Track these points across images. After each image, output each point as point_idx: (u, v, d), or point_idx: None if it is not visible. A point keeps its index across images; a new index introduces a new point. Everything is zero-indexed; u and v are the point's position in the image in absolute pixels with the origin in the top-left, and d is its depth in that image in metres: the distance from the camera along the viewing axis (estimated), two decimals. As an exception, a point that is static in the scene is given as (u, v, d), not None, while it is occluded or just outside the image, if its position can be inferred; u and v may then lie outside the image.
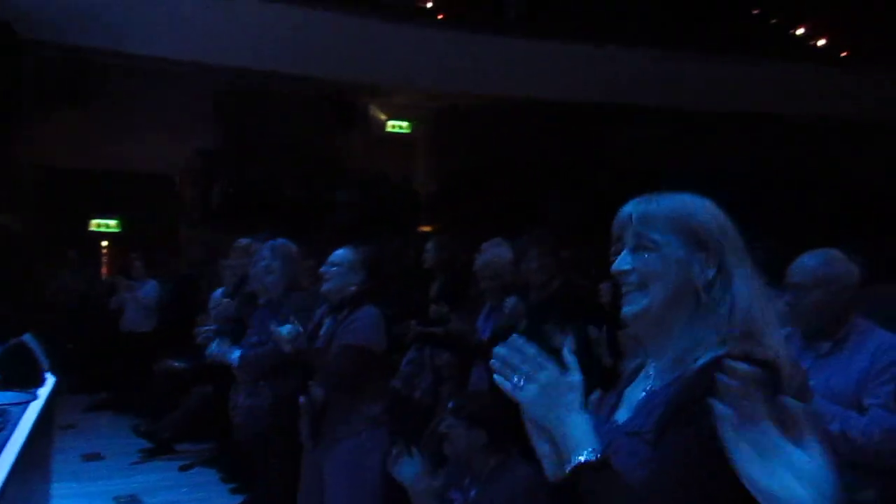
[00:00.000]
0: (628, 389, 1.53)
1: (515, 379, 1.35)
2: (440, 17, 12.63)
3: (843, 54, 13.72)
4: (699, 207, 1.46)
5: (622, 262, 1.44)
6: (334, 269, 3.51)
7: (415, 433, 3.78)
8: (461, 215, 10.97)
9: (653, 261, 1.42)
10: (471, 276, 4.66)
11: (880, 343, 2.74)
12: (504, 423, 2.89)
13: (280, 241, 4.07)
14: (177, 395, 6.55)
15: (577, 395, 1.36)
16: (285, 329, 3.43)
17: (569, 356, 1.38)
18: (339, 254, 3.56)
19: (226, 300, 4.46)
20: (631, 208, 1.47)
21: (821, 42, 14.01)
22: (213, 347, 3.92)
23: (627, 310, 1.44)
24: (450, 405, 3.15)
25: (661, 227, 1.42)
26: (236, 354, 3.87)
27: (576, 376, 1.37)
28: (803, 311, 2.80)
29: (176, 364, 6.51)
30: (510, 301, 4.13)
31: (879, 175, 12.94)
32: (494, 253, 4.49)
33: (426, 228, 11.73)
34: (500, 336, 4.07)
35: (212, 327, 4.58)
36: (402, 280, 5.72)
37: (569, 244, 5.41)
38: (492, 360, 1.37)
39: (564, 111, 11.98)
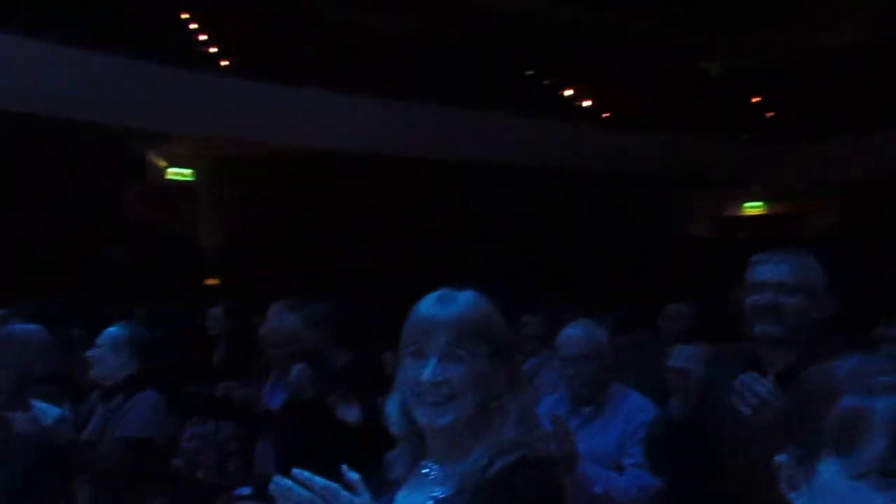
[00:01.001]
0: (403, 494, 1.50)
1: None
2: (224, 63, 12.33)
3: (605, 115, 15.08)
4: (493, 310, 1.48)
5: (434, 373, 1.41)
6: (101, 350, 3.22)
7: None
8: (249, 271, 10.64)
9: (462, 373, 1.41)
10: (257, 343, 4.49)
11: (633, 404, 2.98)
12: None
13: (10, 327, 3.53)
14: None
15: None
16: (52, 412, 3.06)
17: (352, 477, 1.32)
18: (108, 332, 3.26)
19: None
20: (432, 312, 1.45)
21: (586, 103, 15.32)
22: None
23: (433, 422, 1.42)
24: (245, 491, 2.96)
25: (468, 339, 1.42)
26: None
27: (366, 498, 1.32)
28: (578, 381, 2.98)
29: None
30: (297, 369, 4.01)
31: (637, 224, 14.29)
32: (281, 319, 4.36)
33: (212, 281, 11.25)
34: (290, 407, 3.96)
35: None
36: (184, 349, 5.38)
37: (361, 300, 5.39)
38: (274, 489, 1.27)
39: (353, 162, 12.09)
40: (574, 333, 3.03)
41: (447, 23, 13.46)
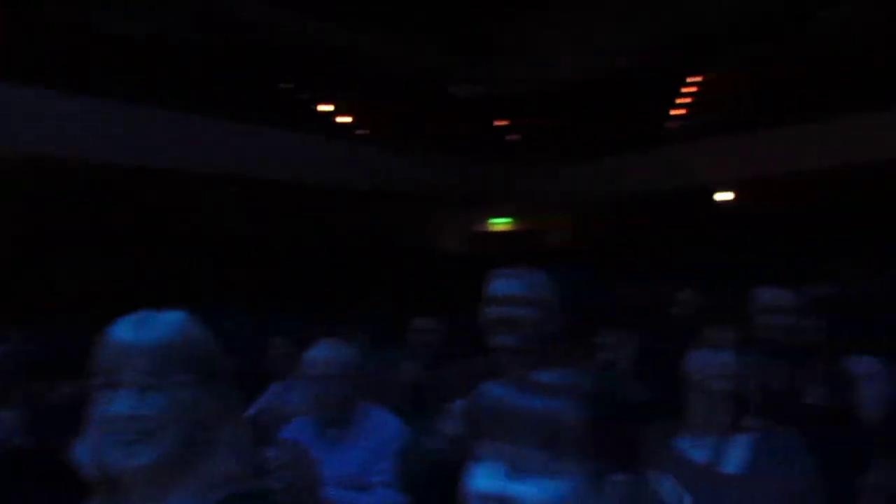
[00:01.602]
0: None
1: None
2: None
3: (360, 132, 15.26)
4: (201, 333, 1.33)
5: (121, 405, 1.23)
6: None
7: None
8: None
9: (162, 405, 1.24)
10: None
11: (379, 421, 2.96)
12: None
13: None
14: None
15: None
16: None
17: None
18: None
19: None
20: (127, 338, 1.26)
21: (341, 119, 15.41)
22: None
23: (129, 462, 1.23)
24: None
25: (170, 366, 1.25)
26: None
27: None
28: (324, 402, 2.90)
29: None
30: (1, 414, 3.51)
31: (389, 241, 14.58)
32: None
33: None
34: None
35: None
36: None
37: (81, 329, 4.86)
38: None
39: (71, 172, 10.88)
40: (319, 354, 2.96)
41: (194, 27, 12.77)
